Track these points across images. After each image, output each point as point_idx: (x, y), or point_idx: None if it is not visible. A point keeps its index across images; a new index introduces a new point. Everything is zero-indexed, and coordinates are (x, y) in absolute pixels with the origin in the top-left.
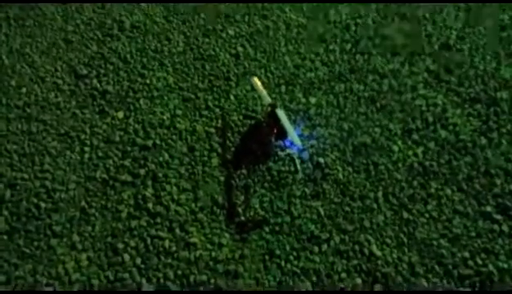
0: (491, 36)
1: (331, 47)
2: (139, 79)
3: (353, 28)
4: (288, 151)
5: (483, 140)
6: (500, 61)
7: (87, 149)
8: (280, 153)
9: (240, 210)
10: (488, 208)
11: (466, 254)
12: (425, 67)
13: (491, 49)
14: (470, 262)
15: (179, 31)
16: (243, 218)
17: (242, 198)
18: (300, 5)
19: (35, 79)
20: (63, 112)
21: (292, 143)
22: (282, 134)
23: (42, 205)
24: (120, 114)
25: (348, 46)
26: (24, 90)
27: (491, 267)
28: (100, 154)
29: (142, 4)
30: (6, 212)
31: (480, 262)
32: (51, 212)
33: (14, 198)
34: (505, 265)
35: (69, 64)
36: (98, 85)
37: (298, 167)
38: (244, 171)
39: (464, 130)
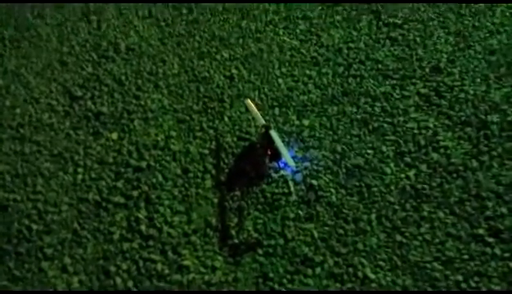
0: (480, 60)
1: (324, 70)
2: (134, 101)
3: (346, 51)
4: (282, 173)
5: (474, 163)
6: (489, 84)
7: (80, 170)
8: (273, 175)
9: (233, 232)
10: (480, 231)
11: (459, 277)
12: (416, 90)
13: (480, 72)
14: (464, 285)
15: (174, 53)
16: (236, 240)
17: (235, 220)
18: (293, 28)
19: (29, 100)
20: (57, 133)
21: (286, 164)
22: (276, 155)
23: (34, 227)
24: (114, 136)
25: (341, 70)
26: (18, 110)
27: (484, 290)
28: (93, 176)
29: (138, 26)
30: None
31: (473, 285)
32: (43, 234)
33: (5, 220)
34: (498, 288)
35: (64, 86)
36: (92, 106)
37: (292, 189)
38: (237, 193)
39: (456, 153)
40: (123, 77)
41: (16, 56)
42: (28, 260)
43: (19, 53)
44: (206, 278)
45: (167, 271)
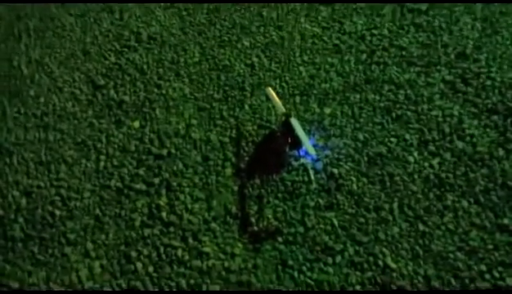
0: (508, 46)
1: (346, 58)
2: (155, 89)
3: (368, 38)
4: (302, 161)
5: (501, 152)
6: None
7: (102, 157)
8: (294, 163)
9: (253, 220)
10: (506, 221)
11: (483, 267)
12: (441, 77)
13: (508, 59)
14: (487, 275)
15: (195, 42)
16: (256, 228)
17: (255, 207)
18: (315, 16)
19: (53, 89)
20: (80, 121)
21: (306, 152)
22: (296, 144)
23: (57, 213)
24: (136, 124)
25: (364, 57)
26: (42, 99)
27: (508, 281)
28: (115, 163)
29: (159, 16)
30: (21, 220)
31: (497, 275)
32: (66, 220)
33: (29, 206)
34: None
35: (87, 75)
36: (115, 95)
37: (312, 177)
38: (257, 181)
39: (482, 141)
40: (145, 67)
41: (40, 46)
42: (51, 245)
43: (43, 43)
44: (226, 264)
45: (187, 257)
